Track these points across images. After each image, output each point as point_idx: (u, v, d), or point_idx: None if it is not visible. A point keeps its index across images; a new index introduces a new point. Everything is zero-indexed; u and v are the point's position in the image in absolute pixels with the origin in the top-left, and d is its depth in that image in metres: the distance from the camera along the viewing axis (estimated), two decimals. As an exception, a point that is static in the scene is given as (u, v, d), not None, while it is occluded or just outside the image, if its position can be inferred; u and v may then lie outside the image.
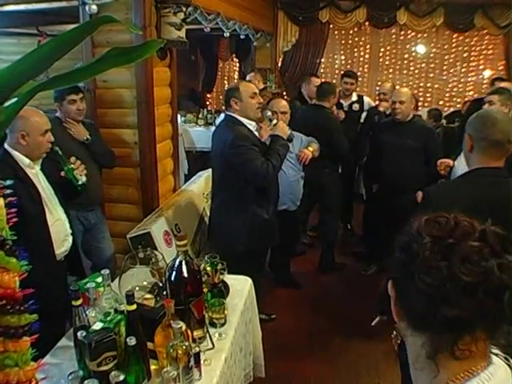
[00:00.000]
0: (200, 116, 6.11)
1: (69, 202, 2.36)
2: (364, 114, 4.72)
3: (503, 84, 4.09)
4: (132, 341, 1.38)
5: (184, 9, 3.08)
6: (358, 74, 7.29)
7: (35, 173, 2.17)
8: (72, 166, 2.36)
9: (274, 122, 2.78)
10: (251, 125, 2.71)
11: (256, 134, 2.74)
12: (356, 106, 4.73)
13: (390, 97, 4.01)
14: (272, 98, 3.66)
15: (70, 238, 2.30)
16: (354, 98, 4.78)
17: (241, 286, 2.16)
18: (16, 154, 2.10)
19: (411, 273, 0.75)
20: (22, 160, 2.10)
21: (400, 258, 0.79)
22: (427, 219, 0.80)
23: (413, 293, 0.76)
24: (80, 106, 2.82)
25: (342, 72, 5.18)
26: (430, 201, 1.79)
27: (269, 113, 2.82)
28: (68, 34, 0.71)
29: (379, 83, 6.18)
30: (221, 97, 8.14)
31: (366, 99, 5.03)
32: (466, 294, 0.71)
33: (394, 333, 0.87)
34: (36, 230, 1.99)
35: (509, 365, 0.79)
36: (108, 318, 1.50)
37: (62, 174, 2.34)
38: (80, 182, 2.36)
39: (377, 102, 4.75)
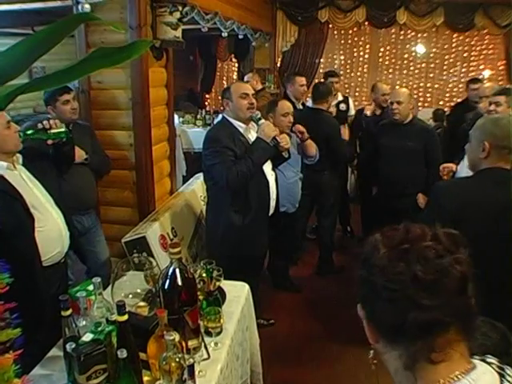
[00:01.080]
0: (198, 117, 6.08)
1: (66, 204, 2.26)
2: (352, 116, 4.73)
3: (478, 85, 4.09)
4: (123, 353, 1.32)
5: (180, 8, 3.02)
6: (358, 74, 7.31)
7: (17, 174, 2.05)
8: (47, 130, 2.31)
9: (261, 122, 2.65)
10: (241, 127, 2.64)
11: (250, 136, 2.67)
12: (343, 106, 4.69)
13: (387, 97, 4.00)
14: (272, 98, 3.60)
15: (67, 236, 2.20)
16: (340, 97, 4.75)
17: (238, 293, 2.10)
18: None
19: (374, 285, 0.76)
20: None
21: (362, 274, 0.80)
22: (380, 233, 0.82)
23: (380, 305, 0.76)
24: (74, 105, 2.76)
25: (324, 73, 5.13)
26: (437, 196, 1.80)
27: (257, 113, 2.67)
28: (43, 33, 0.66)
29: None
30: (219, 97, 8.11)
31: (351, 100, 5.02)
32: (430, 293, 0.71)
33: (371, 353, 0.86)
34: (16, 242, 1.85)
35: (501, 374, 0.76)
36: (99, 329, 1.45)
37: (49, 142, 2.33)
38: (63, 130, 2.38)
39: (365, 104, 4.73)
